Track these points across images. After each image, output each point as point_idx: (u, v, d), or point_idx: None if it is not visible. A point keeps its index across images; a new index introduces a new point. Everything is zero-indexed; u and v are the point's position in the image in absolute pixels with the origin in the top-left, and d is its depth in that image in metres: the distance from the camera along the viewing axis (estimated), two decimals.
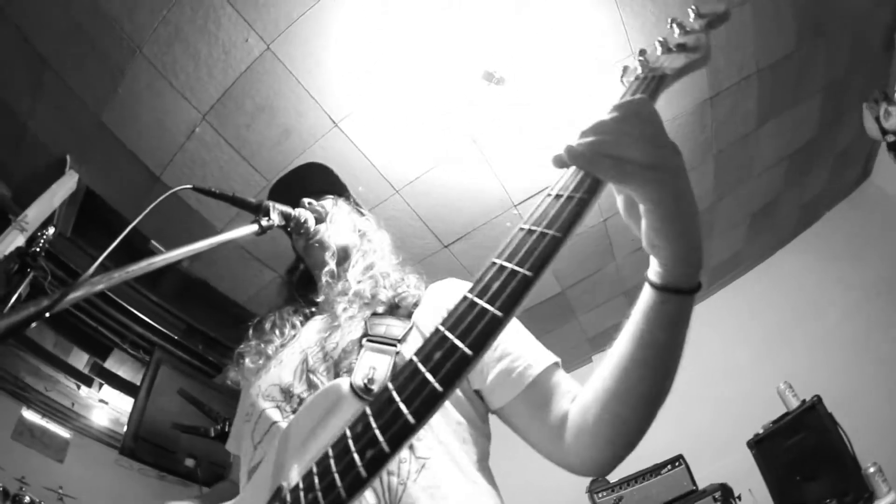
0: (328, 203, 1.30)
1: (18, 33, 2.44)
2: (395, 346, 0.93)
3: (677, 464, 3.06)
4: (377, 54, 2.64)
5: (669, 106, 3.07)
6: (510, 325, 0.94)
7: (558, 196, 0.50)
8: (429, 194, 3.33)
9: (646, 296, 0.71)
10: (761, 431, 2.99)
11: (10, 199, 2.74)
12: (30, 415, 3.00)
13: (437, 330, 0.44)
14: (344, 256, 1.23)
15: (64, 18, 2.41)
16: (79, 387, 3.25)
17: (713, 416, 3.56)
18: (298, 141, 2.95)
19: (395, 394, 0.41)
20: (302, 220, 1.19)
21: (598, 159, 0.55)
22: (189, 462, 2.95)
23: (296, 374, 0.99)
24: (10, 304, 2.54)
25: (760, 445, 2.95)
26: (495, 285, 0.43)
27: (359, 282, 1.13)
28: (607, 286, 4.11)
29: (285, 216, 1.19)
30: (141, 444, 2.81)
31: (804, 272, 3.93)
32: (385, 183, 3.19)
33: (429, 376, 0.40)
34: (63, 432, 3.13)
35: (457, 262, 3.66)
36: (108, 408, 3.32)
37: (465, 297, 0.44)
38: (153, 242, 3.08)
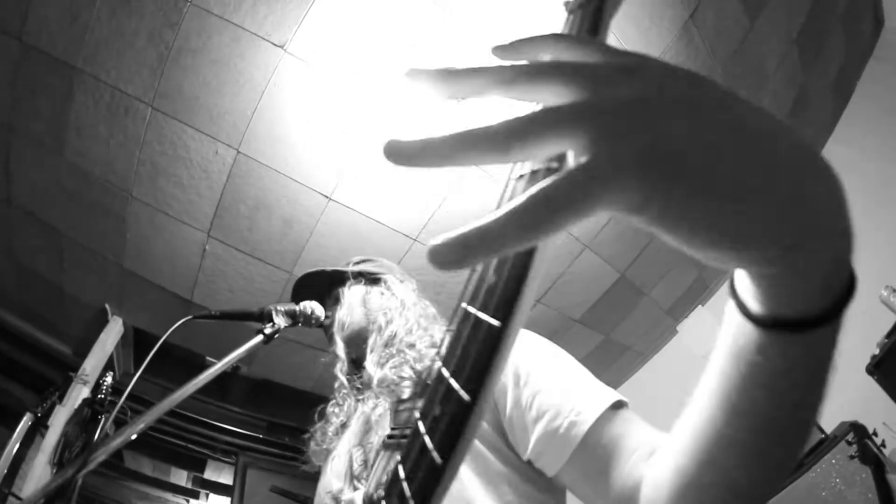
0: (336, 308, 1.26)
1: (26, 212, 2.67)
2: None
3: None
4: (339, 115, 2.60)
5: (650, 44, 2.77)
6: (544, 366, 0.82)
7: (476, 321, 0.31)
8: (450, 229, 3.23)
9: (734, 328, 0.38)
10: (878, 352, 2.55)
11: (71, 356, 2.98)
12: None
13: (415, 421, 0.32)
14: (361, 342, 1.16)
15: (58, 188, 2.63)
16: (188, 501, 3.46)
17: None
18: (301, 226, 2.96)
19: None
20: (309, 313, 1.19)
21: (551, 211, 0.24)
22: None
23: (344, 479, 0.97)
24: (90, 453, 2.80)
25: (881, 367, 2.49)
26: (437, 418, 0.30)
27: (380, 366, 1.04)
28: (666, 252, 3.75)
29: (291, 315, 1.19)
30: None
31: (862, 156, 3.37)
32: (400, 236, 3.14)
33: (405, 489, 0.30)
34: None
35: None
36: None
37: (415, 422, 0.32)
38: (208, 358, 3.24)
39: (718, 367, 0.41)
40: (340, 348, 1.16)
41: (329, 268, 1.32)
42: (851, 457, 2.42)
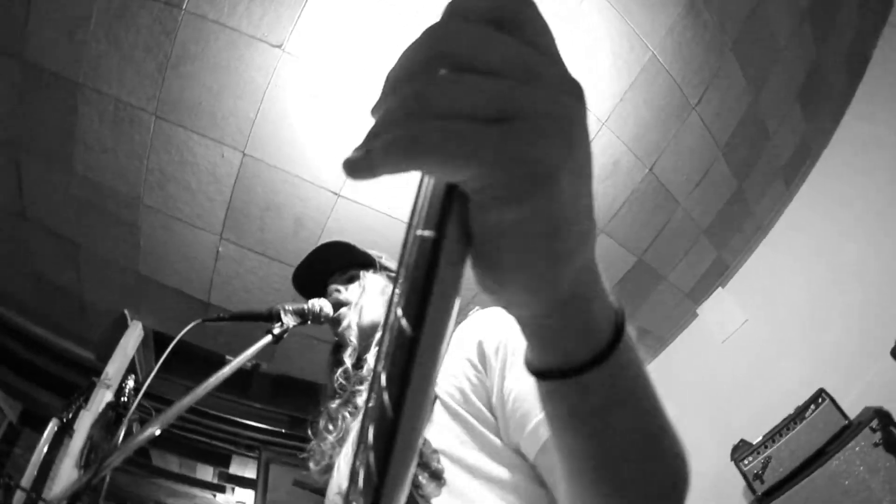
0: (354, 287, 1.26)
1: (41, 226, 2.73)
2: None
3: (820, 400, 2.62)
4: (342, 111, 2.59)
5: (656, 20, 2.69)
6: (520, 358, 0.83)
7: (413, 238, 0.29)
8: None
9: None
10: None
11: (94, 361, 3.07)
12: None
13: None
14: (372, 333, 1.19)
15: (70, 201, 2.67)
16: (215, 495, 3.55)
17: (839, 333, 3.01)
18: (312, 224, 2.97)
19: None
20: (318, 311, 1.18)
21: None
22: None
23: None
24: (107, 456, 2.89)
25: None
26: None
27: None
28: (684, 234, 3.67)
29: (299, 314, 1.20)
30: None
31: (881, 130, 3.25)
32: None
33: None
34: None
35: None
36: None
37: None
38: (227, 357, 3.29)
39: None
40: (353, 334, 1.17)
41: (360, 247, 1.32)
42: (876, 444, 2.35)
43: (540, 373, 0.39)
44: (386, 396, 0.26)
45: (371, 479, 0.26)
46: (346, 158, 0.26)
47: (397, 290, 0.28)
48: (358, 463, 0.29)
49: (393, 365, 0.26)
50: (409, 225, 0.29)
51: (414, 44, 0.27)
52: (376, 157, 0.25)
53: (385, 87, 0.27)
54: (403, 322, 0.26)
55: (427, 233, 0.27)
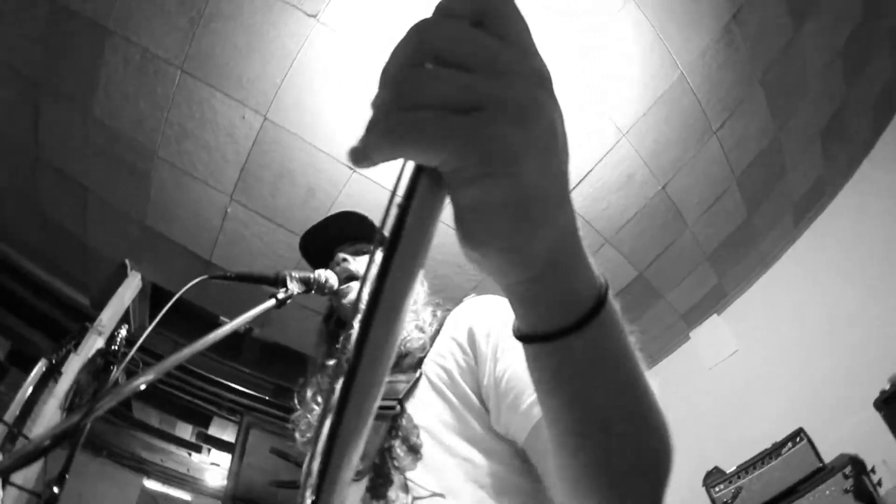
0: (363, 260, 1.24)
1: (53, 168, 2.72)
2: (394, 407, 0.90)
3: (798, 439, 2.65)
4: (369, 88, 2.58)
5: (690, 41, 2.69)
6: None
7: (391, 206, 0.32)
8: None
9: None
10: (888, 387, 2.50)
11: (89, 307, 3.06)
12: (151, 484, 3.38)
13: None
14: None
15: (85, 145, 2.65)
16: (190, 454, 3.58)
17: (827, 377, 3.03)
18: (324, 195, 2.97)
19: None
20: (323, 281, 1.16)
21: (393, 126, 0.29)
22: None
23: None
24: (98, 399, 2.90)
25: (891, 403, 2.43)
26: None
27: None
28: (688, 256, 3.69)
29: (305, 282, 1.19)
30: None
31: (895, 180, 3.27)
32: None
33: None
34: (183, 495, 3.47)
35: None
36: (220, 469, 3.64)
37: None
38: (221, 317, 3.30)
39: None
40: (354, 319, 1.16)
41: (368, 219, 1.31)
42: (846, 490, 2.38)
43: (525, 336, 0.43)
44: (351, 347, 0.30)
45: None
46: (349, 148, 0.30)
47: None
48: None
49: (361, 321, 0.30)
50: (391, 197, 0.32)
51: (402, 40, 0.30)
52: (368, 148, 0.29)
53: (380, 80, 0.31)
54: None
55: (401, 202, 0.31)
